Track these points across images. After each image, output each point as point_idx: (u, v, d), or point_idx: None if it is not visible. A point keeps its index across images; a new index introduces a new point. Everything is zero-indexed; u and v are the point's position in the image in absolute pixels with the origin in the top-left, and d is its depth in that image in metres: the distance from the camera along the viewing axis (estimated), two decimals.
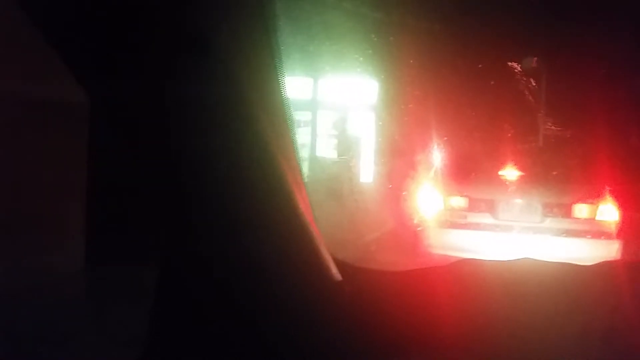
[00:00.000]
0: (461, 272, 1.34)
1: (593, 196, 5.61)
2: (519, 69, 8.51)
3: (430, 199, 6.06)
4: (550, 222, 5.55)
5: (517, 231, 5.60)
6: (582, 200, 5.61)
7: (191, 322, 1.09)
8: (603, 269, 1.45)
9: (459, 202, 5.87)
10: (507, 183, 5.94)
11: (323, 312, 1.11)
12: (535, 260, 1.36)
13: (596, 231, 5.50)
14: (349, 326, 1.13)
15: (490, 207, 5.71)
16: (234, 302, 1.07)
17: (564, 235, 5.48)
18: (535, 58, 8.61)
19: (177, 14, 1.00)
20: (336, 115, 10.11)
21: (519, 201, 5.70)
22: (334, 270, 1.16)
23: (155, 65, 1.00)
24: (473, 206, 5.77)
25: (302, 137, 10.04)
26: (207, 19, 1.03)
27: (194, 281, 1.08)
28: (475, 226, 5.70)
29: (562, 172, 5.90)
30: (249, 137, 1.05)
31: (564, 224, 5.53)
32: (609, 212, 5.59)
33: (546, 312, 1.26)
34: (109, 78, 1.01)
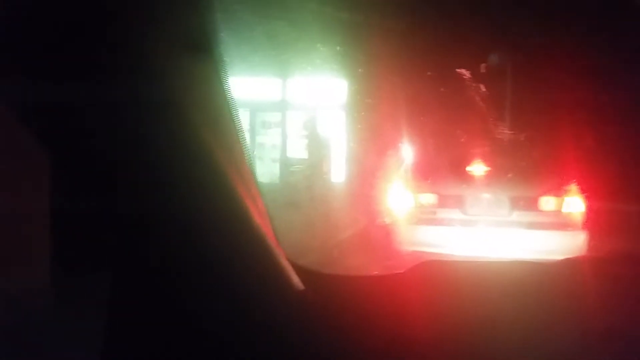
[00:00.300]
0: (425, 274, 1.33)
1: (559, 189, 5.71)
2: (486, 66, 8.62)
3: (400, 197, 6.09)
4: (517, 216, 5.63)
5: (486, 225, 5.67)
6: (549, 193, 5.70)
7: (147, 334, 1.06)
8: (570, 265, 1.46)
9: (429, 198, 5.92)
10: (475, 178, 6.01)
11: (285, 323, 1.09)
12: (499, 260, 1.36)
13: (563, 223, 5.60)
14: (312, 337, 1.11)
15: (459, 203, 5.77)
16: (190, 317, 1.04)
17: (532, 228, 5.56)
18: (501, 54, 8.72)
19: (107, 18, 0.97)
20: (306, 115, 10.10)
21: (487, 196, 5.77)
22: (295, 279, 1.14)
23: (98, 69, 0.96)
24: (442, 202, 5.83)
25: (272, 138, 10.00)
26: (144, 32, 1.00)
27: (147, 293, 1.05)
28: (445, 222, 5.76)
29: (529, 166, 5.99)
30: (189, 143, 1.01)
31: (531, 217, 5.61)
32: (575, 204, 5.69)
33: (511, 310, 1.26)
34: (54, 79, 0.97)
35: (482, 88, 8.25)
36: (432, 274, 1.33)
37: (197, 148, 1.00)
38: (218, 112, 1.09)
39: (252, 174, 1.15)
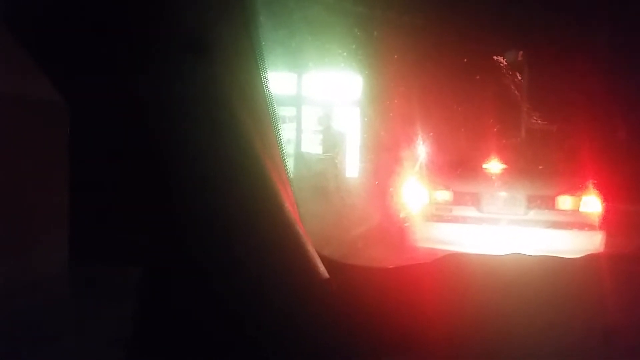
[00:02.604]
0: (448, 267, 1.34)
1: (576, 188, 5.66)
2: (503, 62, 8.56)
3: (416, 193, 6.08)
4: (534, 214, 5.60)
5: (502, 224, 5.64)
6: (566, 192, 5.66)
7: (176, 323, 1.08)
8: (588, 262, 1.47)
9: (444, 195, 5.90)
10: (491, 176, 5.98)
11: (310, 310, 1.11)
12: (522, 254, 1.37)
13: (580, 222, 5.55)
14: (336, 323, 1.13)
15: (474, 200, 5.75)
16: (219, 301, 1.06)
17: (548, 227, 5.52)
18: (519, 51, 8.66)
19: (160, 15, 0.99)
20: (321, 110, 10.09)
21: (503, 194, 5.74)
22: (321, 267, 1.16)
23: (138, 65, 0.98)
24: (458, 199, 5.80)
25: (287, 133, 10.01)
26: (189, 20, 1.02)
27: (178, 281, 1.07)
28: (461, 219, 5.74)
29: (546, 165, 5.95)
30: (232, 136, 1.04)
31: (548, 215, 5.57)
32: (592, 203, 5.64)
33: (533, 305, 1.27)
34: (92, 78, 0.99)
35: (499, 86, 8.20)
36: (456, 266, 1.33)
37: (235, 138, 1.02)
38: (256, 105, 1.11)
39: (285, 164, 1.17)
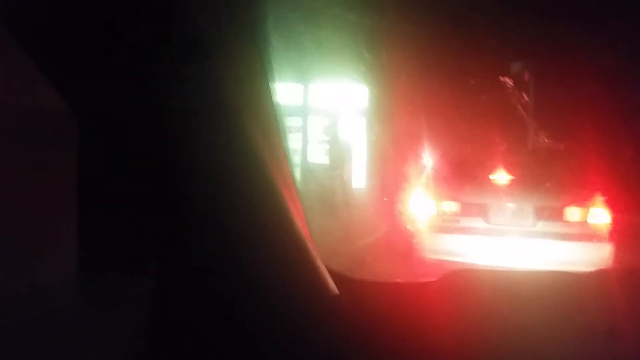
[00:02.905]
0: (457, 283, 1.33)
1: (584, 199, 5.63)
2: (509, 74, 8.56)
3: (423, 204, 6.06)
4: (542, 226, 5.57)
5: (510, 235, 5.61)
6: (574, 203, 5.63)
7: (188, 334, 1.08)
8: (599, 277, 1.45)
9: (452, 206, 5.88)
10: (499, 187, 5.95)
11: (320, 326, 1.10)
12: (531, 270, 1.36)
13: (588, 234, 5.51)
14: (346, 340, 1.12)
15: (482, 212, 5.73)
16: (229, 317, 1.06)
17: (557, 238, 5.49)
18: (526, 62, 8.66)
19: (167, 21, 0.99)
20: (327, 121, 10.10)
21: (511, 205, 5.72)
22: (331, 284, 1.15)
23: (144, 72, 0.98)
24: (465, 211, 5.78)
25: (293, 143, 10.02)
26: (197, 26, 1.02)
27: (190, 294, 1.07)
28: (468, 230, 5.71)
29: (554, 176, 5.92)
30: (240, 148, 1.03)
31: (556, 227, 5.54)
32: (600, 214, 5.61)
33: (543, 321, 1.25)
34: (98, 84, 0.99)
35: (506, 96, 8.19)
36: (464, 283, 1.33)
37: (244, 151, 1.02)
38: (265, 116, 1.11)
39: (293, 177, 1.17)
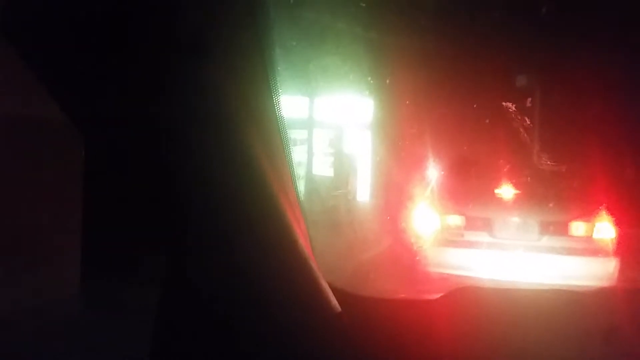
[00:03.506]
0: (461, 300, 1.33)
1: (590, 214, 5.61)
2: (515, 87, 8.57)
3: (428, 218, 6.05)
4: (547, 240, 5.55)
5: (515, 249, 5.59)
6: (579, 218, 5.61)
7: (190, 345, 1.08)
8: (604, 295, 1.45)
9: (456, 220, 5.87)
10: (504, 201, 5.95)
11: (323, 344, 1.10)
12: (536, 287, 1.36)
13: (593, 249, 5.49)
14: (349, 358, 1.12)
15: (487, 226, 5.71)
16: (232, 332, 1.06)
17: (561, 253, 5.47)
18: (532, 75, 8.67)
19: (169, 28, 1.00)
20: (332, 133, 10.12)
21: (515, 219, 5.71)
22: (333, 301, 1.15)
23: (147, 81, 0.99)
24: (470, 224, 5.77)
25: (298, 155, 10.04)
26: (201, 36, 1.02)
27: (193, 309, 1.07)
28: (473, 244, 5.70)
29: (559, 190, 5.91)
30: (243, 163, 1.03)
31: (561, 242, 5.52)
32: (605, 229, 5.59)
33: (547, 338, 1.25)
34: (99, 92, 1.00)
35: (511, 110, 8.19)
36: (468, 300, 1.32)
37: (247, 165, 1.02)
38: (268, 130, 1.11)
39: (297, 193, 1.17)
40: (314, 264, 1.11)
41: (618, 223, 5.59)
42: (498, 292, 1.40)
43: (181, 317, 1.08)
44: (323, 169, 9.82)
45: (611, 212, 5.60)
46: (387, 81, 8.25)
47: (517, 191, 6.03)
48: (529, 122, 8.18)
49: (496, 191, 6.05)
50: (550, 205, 5.73)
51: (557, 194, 5.85)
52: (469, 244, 5.70)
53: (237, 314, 1.04)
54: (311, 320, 1.08)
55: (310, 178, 9.56)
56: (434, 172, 7.04)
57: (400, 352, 1.14)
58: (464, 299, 1.33)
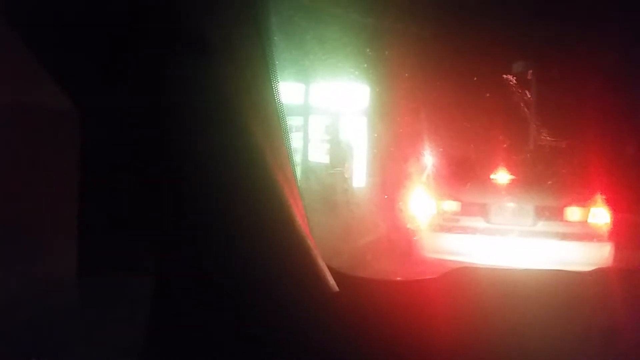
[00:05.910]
0: (457, 281, 1.34)
1: (585, 199, 5.64)
2: (511, 73, 8.56)
3: (423, 204, 6.07)
4: (542, 225, 5.57)
5: (510, 234, 5.62)
6: (574, 203, 5.64)
7: (188, 332, 1.08)
8: (599, 276, 1.46)
9: (452, 206, 5.88)
10: (499, 187, 5.96)
11: (320, 324, 1.11)
12: (531, 268, 1.36)
13: (588, 234, 5.52)
14: (345, 337, 1.13)
15: (482, 211, 5.73)
16: (228, 314, 1.06)
17: (557, 238, 5.50)
18: (528, 62, 8.66)
19: (170, 20, 1.00)
20: (328, 120, 10.10)
21: (511, 205, 5.73)
22: (331, 281, 1.16)
23: (148, 71, 0.99)
24: (466, 210, 5.79)
25: (295, 142, 10.02)
26: (201, 25, 1.02)
27: (191, 291, 1.08)
28: (468, 230, 5.72)
29: (554, 175, 5.93)
30: (243, 147, 1.04)
31: (557, 227, 5.55)
32: (600, 214, 5.62)
33: (543, 319, 1.26)
34: (101, 83, 1.00)
35: (508, 95, 8.19)
36: (465, 280, 1.33)
37: (246, 149, 1.03)
38: (268, 116, 1.11)
39: (295, 176, 1.17)
40: (311, 243, 1.11)
41: (613, 208, 5.62)
42: (495, 273, 1.41)
43: (177, 300, 1.09)
44: (320, 155, 9.82)
45: (606, 197, 5.62)
46: (384, 67, 8.23)
47: (513, 176, 6.05)
48: (526, 108, 8.18)
49: (492, 177, 6.06)
50: (546, 190, 5.75)
51: (553, 180, 5.87)
52: (465, 229, 5.72)
53: (234, 293, 1.04)
54: (309, 300, 1.09)
55: (307, 165, 9.55)
56: (430, 158, 7.05)
57: (397, 330, 1.15)
58: (461, 279, 1.34)
